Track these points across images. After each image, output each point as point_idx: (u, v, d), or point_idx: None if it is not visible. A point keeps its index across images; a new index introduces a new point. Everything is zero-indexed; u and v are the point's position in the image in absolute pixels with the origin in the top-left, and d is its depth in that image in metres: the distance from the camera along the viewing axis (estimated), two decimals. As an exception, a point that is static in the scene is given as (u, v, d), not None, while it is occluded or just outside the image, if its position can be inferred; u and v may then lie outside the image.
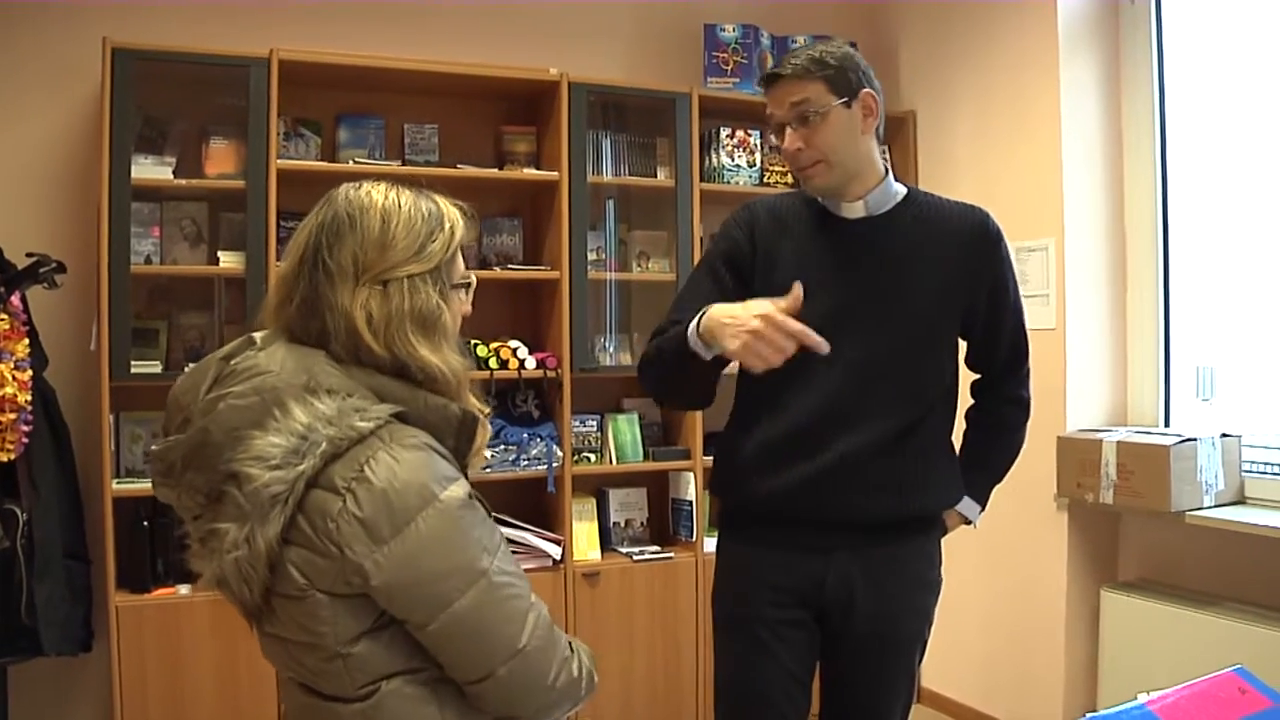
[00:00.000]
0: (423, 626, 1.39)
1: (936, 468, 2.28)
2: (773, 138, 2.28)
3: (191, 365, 1.55)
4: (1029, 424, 2.46)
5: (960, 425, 2.44)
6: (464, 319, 1.60)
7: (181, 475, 1.44)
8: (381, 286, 1.45)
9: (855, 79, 2.18)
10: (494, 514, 4.20)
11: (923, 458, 2.24)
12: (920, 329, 2.23)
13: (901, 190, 2.29)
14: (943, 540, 2.39)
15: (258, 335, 1.51)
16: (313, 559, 1.37)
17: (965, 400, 2.46)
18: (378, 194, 1.50)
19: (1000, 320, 2.33)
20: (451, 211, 1.56)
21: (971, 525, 2.42)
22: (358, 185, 1.53)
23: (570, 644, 1.52)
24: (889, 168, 2.29)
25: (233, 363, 1.46)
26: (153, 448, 1.49)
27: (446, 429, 1.46)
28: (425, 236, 1.49)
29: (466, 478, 1.48)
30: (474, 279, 1.62)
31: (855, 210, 2.24)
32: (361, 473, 1.35)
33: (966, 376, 2.45)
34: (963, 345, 2.39)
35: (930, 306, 2.23)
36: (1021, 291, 2.40)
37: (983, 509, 2.43)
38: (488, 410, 1.58)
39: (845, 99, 2.17)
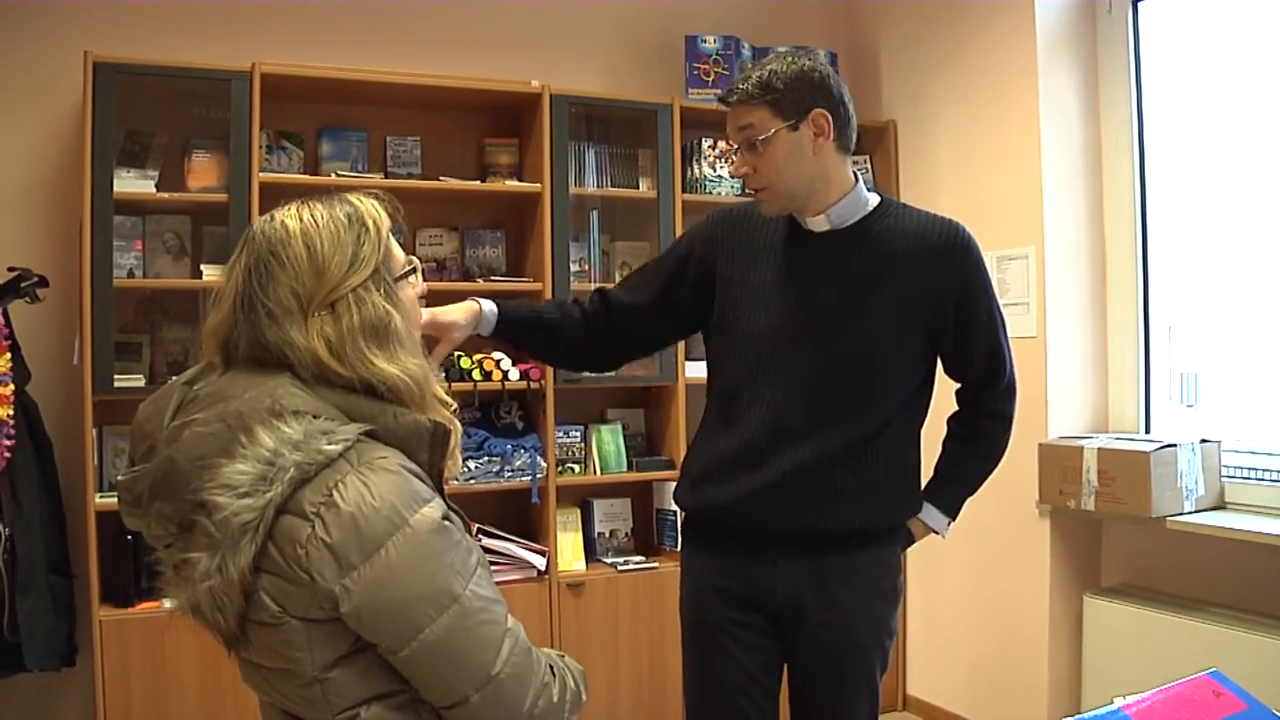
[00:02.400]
0: (395, 652, 1.37)
1: (890, 481, 2.26)
2: (734, 156, 2.28)
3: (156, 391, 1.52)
4: (1009, 438, 2.42)
5: (941, 431, 2.43)
6: (425, 299, 1.60)
7: (150, 504, 1.41)
8: (330, 309, 1.42)
9: (805, 99, 2.14)
10: (480, 526, 4.14)
11: (875, 471, 2.22)
12: (877, 343, 2.20)
13: (873, 201, 2.26)
14: (926, 549, 2.38)
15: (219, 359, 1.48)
16: (284, 586, 1.35)
17: (942, 408, 2.43)
18: (291, 221, 1.46)
19: (971, 331, 2.27)
20: (369, 207, 1.52)
21: (940, 536, 2.39)
22: (269, 218, 1.49)
23: (552, 667, 1.50)
24: (859, 178, 2.25)
25: (195, 388, 1.44)
26: (119, 478, 1.47)
27: (419, 443, 1.44)
28: (354, 244, 1.46)
29: (442, 491, 1.47)
30: (417, 262, 1.59)
31: (819, 224, 2.23)
32: (330, 497, 1.33)
33: (945, 386, 2.41)
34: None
35: (889, 320, 2.20)
36: (1002, 300, 2.39)
37: (952, 520, 2.39)
38: (454, 405, 1.56)
39: (792, 121, 2.14)
